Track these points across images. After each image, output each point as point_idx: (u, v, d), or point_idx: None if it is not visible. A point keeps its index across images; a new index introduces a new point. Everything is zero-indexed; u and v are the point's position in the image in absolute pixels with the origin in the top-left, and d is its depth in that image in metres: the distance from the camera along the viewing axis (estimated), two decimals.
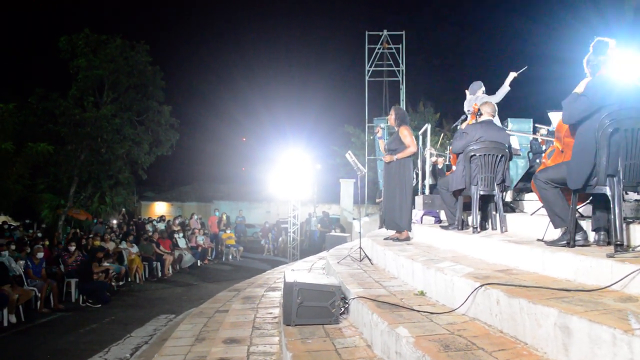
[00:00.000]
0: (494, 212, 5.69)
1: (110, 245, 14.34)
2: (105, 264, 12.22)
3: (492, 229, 5.71)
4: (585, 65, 3.78)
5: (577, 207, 4.13)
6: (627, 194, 4.31)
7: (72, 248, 12.59)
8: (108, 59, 19.54)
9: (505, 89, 7.50)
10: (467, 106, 7.32)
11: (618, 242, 3.28)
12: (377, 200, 15.02)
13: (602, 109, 3.43)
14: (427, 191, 8.08)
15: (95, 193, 20.83)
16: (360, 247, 6.69)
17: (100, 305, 11.09)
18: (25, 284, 10.22)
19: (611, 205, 3.40)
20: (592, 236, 3.96)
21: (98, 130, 18.73)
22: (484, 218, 5.92)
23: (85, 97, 19.42)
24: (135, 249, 15.09)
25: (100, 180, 20.47)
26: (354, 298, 4.32)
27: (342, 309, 4.49)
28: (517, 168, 9.23)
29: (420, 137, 8.71)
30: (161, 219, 22.12)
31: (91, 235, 15.33)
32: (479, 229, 5.39)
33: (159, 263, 15.63)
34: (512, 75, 7.47)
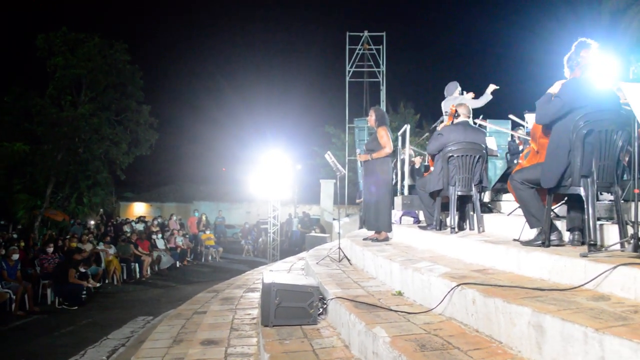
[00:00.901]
0: (471, 213, 5.73)
1: (88, 247, 14.17)
2: (82, 269, 12.06)
3: (470, 229, 5.75)
4: (565, 63, 3.84)
5: (553, 207, 4.19)
6: (601, 194, 4.39)
7: (50, 249, 12.41)
8: (86, 58, 19.36)
9: (487, 97, 7.69)
10: (445, 107, 7.38)
11: (592, 242, 3.33)
12: (357, 201, 15.05)
13: (577, 111, 3.48)
14: (406, 192, 8.12)
15: (73, 193, 20.59)
16: (339, 248, 6.69)
17: (76, 308, 10.96)
18: (0, 286, 10.05)
19: (585, 206, 3.45)
20: (567, 236, 4.02)
21: (75, 130, 18.55)
22: (462, 218, 5.96)
23: (62, 96, 19.24)
24: (112, 250, 14.95)
25: (77, 180, 20.27)
26: (332, 298, 4.32)
27: (321, 310, 4.49)
28: (495, 169, 9.34)
29: (400, 138, 8.75)
30: (140, 219, 21.91)
31: (68, 237, 15.13)
32: (456, 229, 5.43)
33: (137, 264, 15.48)
34: (492, 86, 7.70)
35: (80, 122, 18.47)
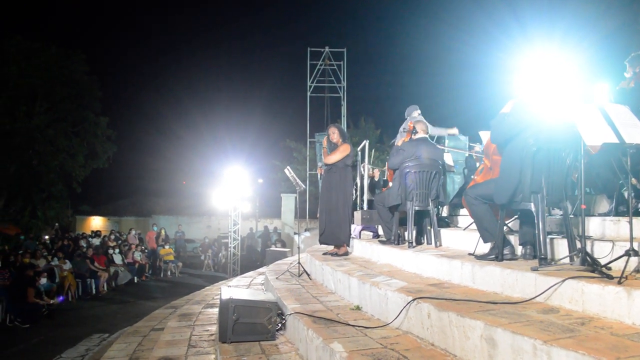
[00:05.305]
0: (429, 227, 5.82)
1: (42, 262, 13.75)
2: (43, 280, 11.72)
3: (428, 243, 5.84)
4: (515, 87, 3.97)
5: (506, 222, 4.30)
6: (552, 209, 4.53)
7: None
8: (42, 68, 18.91)
9: (443, 132, 7.82)
10: (404, 126, 7.51)
11: (542, 256, 3.44)
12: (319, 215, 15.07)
13: (526, 130, 3.60)
14: (365, 206, 8.19)
15: (26, 207, 19.96)
16: (299, 262, 6.69)
17: (28, 325, 10.58)
18: None
19: (536, 221, 3.56)
20: (519, 250, 4.12)
21: (29, 142, 18.07)
22: (420, 233, 6.05)
23: (16, 107, 18.69)
24: (67, 266, 14.53)
25: (31, 193, 19.66)
26: (290, 314, 4.32)
27: (279, 325, 4.48)
28: (454, 184, 9.49)
29: (359, 153, 8.84)
30: (96, 234, 21.38)
31: (20, 252, 14.63)
32: (414, 244, 5.50)
33: (93, 280, 15.08)
34: (454, 131, 7.82)
35: (34, 134, 18.03)
